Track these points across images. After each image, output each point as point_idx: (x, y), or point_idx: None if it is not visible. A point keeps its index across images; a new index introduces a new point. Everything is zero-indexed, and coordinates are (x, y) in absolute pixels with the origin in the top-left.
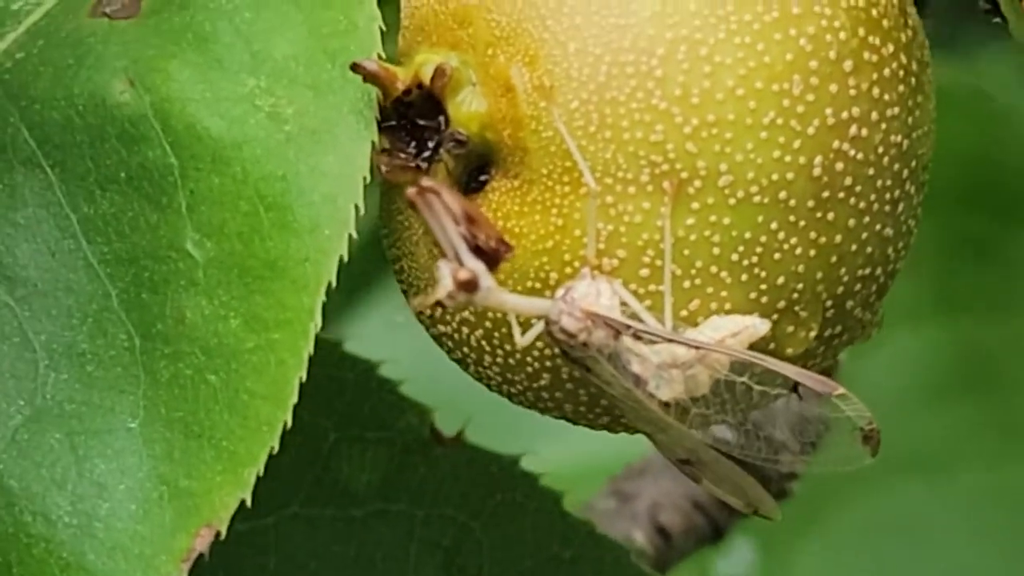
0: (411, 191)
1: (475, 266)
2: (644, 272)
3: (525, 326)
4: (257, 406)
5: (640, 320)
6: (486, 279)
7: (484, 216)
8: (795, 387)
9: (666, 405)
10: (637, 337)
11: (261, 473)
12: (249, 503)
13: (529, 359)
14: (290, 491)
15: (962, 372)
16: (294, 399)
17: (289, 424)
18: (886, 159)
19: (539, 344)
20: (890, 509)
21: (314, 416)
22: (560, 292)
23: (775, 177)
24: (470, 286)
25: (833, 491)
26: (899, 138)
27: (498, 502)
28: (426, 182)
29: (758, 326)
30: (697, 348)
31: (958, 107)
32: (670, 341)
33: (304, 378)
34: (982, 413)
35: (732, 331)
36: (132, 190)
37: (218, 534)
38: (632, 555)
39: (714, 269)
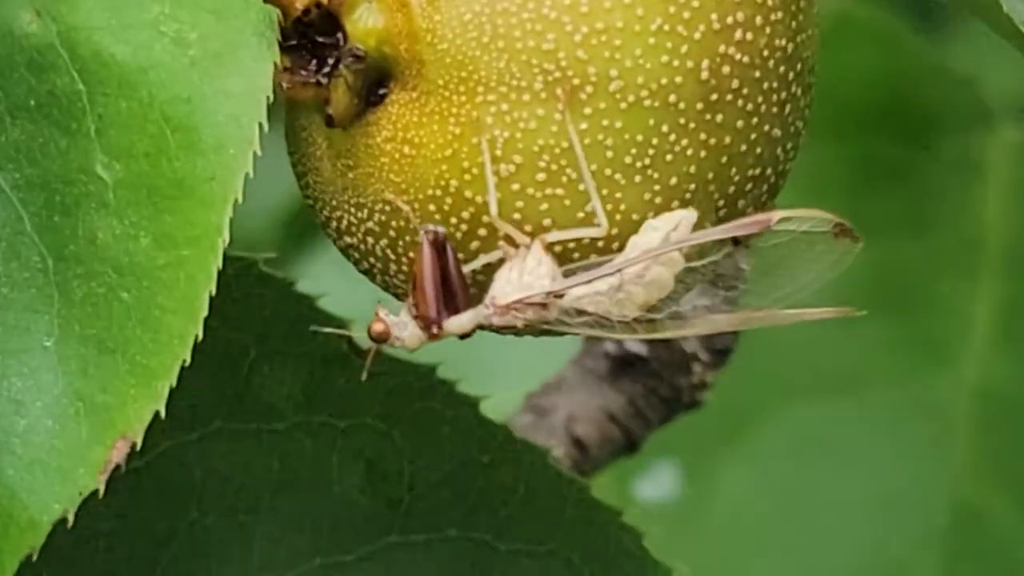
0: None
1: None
2: (540, 176)
3: None
4: (169, 321)
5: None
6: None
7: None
8: (735, 241)
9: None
10: (561, 296)
11: (174, 385)
12: (163, 414)
13: None
14: (213, 407)
15: (876, 292)
16: (204, 313)
17: (200, 337)
18: (772, 62)
19: None
20: (811, 427)
21: (234, 333)
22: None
23: (664, 81)
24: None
25: (752, 411)
26: (783, 41)
27: (416, 410)
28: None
29: (689, 216)
30: (619, 270)
31: (864, 33)
32: (591, 282)
33: (214, 292)
34: (897, 331)
35: (669, 228)
36: (42, 117)
37: (134, 446)
38: (549, 457)
39: (608, 171)
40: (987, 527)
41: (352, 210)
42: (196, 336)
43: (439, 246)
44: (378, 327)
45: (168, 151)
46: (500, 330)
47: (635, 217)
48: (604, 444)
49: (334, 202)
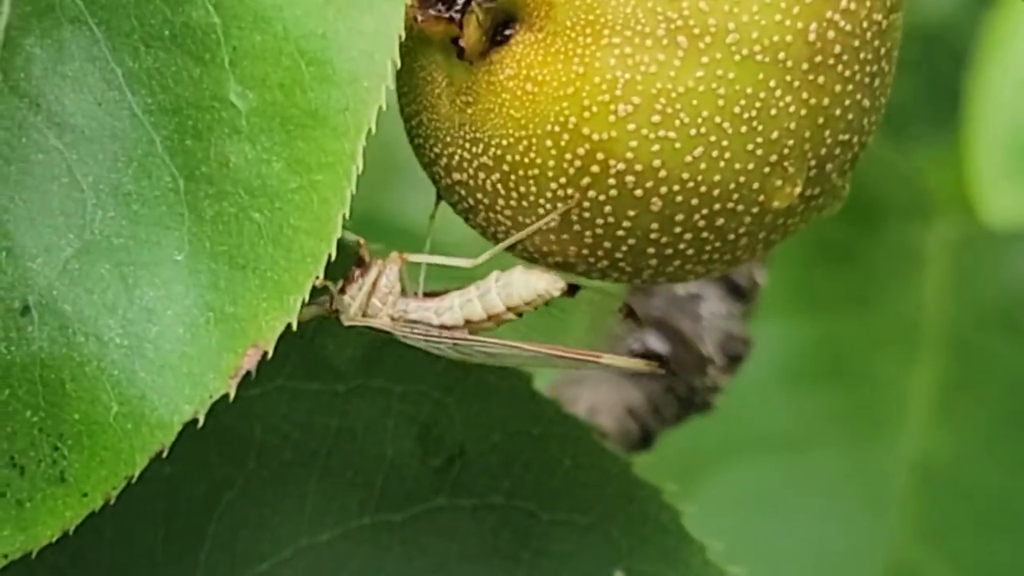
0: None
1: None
2: (655, 118)
3: None
4: (301, 240)
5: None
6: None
7: None
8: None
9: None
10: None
11: (306, 300)
12: (295, 327)
13: (542, 200)
14: (277, 366)
15: (818, 362)
16: (338, 234)
17: (334, 256)
18: (869, 34)
19: (552, 186)
20: (754, 484)
21: None
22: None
23: (776, 39)
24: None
25: (702, 464)
26: (880, 16)
27: (471, 380)
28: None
29: (552, 289)
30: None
31: None
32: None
33: (347, 215)
34: (838, 401)
35: (524, 298)
36: (176, 47)
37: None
38: (595, 434)
39: (718, 119)
40: None
41: (467, 145)
42: (329, 255)
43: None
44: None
45: (302, 82)
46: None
47: (737, 166)
48: (622, 437)
49: (448, 138)
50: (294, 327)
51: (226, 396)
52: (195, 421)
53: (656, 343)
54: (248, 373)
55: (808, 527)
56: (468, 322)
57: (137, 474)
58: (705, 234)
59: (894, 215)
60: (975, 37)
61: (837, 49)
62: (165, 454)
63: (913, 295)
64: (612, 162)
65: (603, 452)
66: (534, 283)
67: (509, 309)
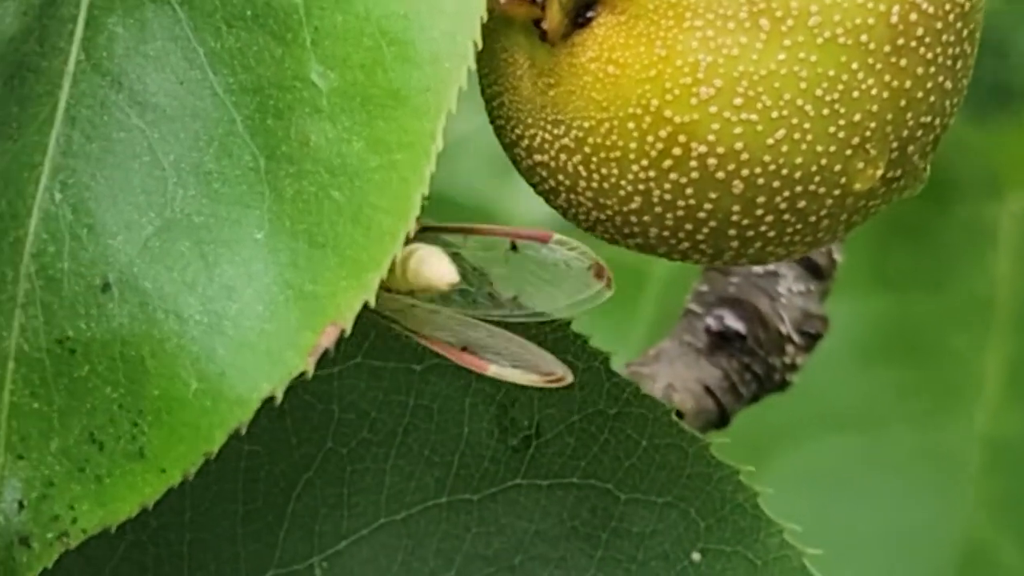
0: None
1: None
2: (737, 101)
3: None
4: (380, 219)
5: None
6: None
7: None
8: (513, 246)
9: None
10: None
11: (385, 277)
12: (372, 304)
13: (623, 182)
14: (354, 344)
15: (893, 340)
16: (416, 212)
17: (412, 235)
18: (951, 16)
19: (634, 168)
20: (826, 461)
21: None
22: None
23: (858, 21)
24: None
25: (775, 442)
26: None
27: None
28: None
29: (439, 283)
30: None
31: None
32: None
33: (426, 193)
34: (911, 378)
35: (412, 283)
36: (257, 27)
37: (342, 331)
38: (673, 414)
39: (800, 102)
40: (997, 565)
41: (548, 127)
42: (408, 234)
43: None
44: None
45: (384, 63)
46: None
47: (819, 149)
48: (699, 415)
49: (529, 120)
50: (371, 305)
51: (304, 374)
52: (273, 398)
53: (733, 321)
54: (326, 351)
55: (881, 505)
56: (387, 288)
57: (216, 451)
58: (787, 216)
59: (967, 193)
60: None
61: (919, 31)
62: (243, 431)
63: (986, 273)
64: (694, 145)
65: (680, 432)
66: (424, 272)
67: (406, 287)
